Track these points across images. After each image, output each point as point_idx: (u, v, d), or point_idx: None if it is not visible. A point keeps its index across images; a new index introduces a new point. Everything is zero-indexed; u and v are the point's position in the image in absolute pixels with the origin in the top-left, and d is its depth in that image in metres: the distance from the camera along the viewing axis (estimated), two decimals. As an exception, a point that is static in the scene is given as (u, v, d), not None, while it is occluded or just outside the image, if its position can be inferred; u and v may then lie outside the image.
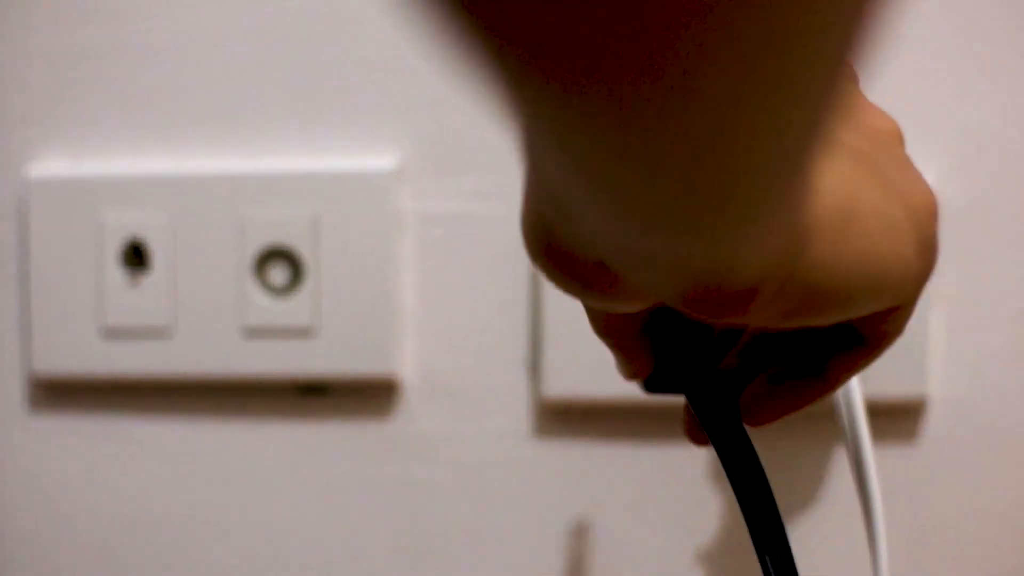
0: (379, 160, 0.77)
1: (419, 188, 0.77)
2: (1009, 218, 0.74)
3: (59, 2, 0.79)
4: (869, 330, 0.50)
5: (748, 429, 0.54)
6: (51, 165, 0.79)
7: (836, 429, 0.69)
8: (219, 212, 0.77)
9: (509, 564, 0.77)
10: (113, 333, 0.78)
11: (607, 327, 0.52)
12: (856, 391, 0.65)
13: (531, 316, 0.76)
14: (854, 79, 0.46)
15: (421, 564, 0.78)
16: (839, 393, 0.65)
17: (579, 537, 0.76)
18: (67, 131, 0.79)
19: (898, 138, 0.50)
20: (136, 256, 0.78)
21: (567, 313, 0.74)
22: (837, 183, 0.43)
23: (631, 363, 0.53)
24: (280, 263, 0.77)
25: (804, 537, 0.75)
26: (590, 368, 0.74)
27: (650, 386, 0.53)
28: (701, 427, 0.51)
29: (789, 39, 0.30)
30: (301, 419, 0.78)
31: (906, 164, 0.49)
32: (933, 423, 0.75)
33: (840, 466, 0.75)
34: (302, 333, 0.76)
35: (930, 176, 0.74)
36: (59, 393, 0.79)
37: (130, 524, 0.79)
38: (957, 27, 0.74)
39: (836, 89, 0.34)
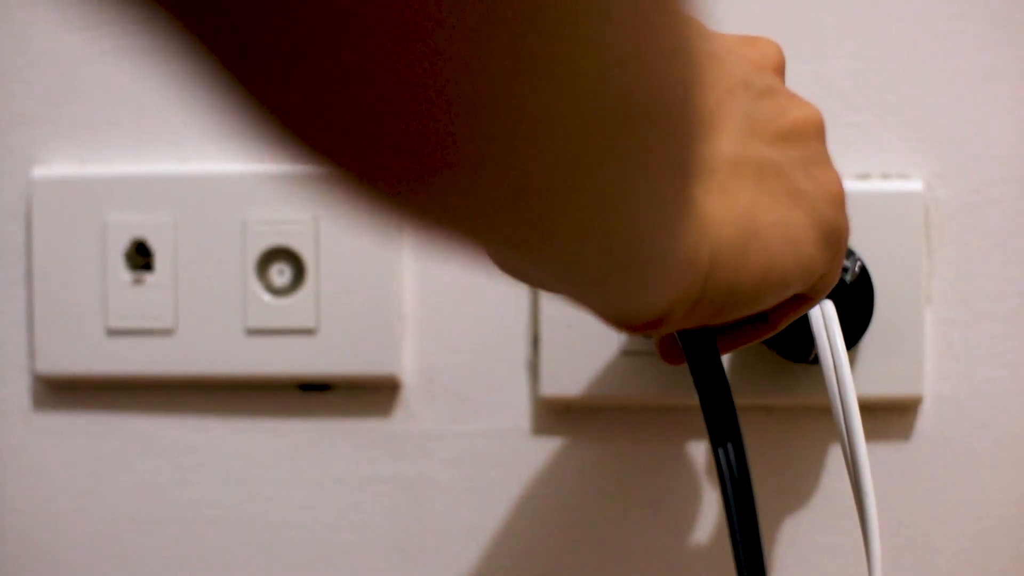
0: (379, 161, 0.77)
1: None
2: (1001, 219, 0.75)
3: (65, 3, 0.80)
4: (799, 292, 0.56)
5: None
6: (56, 166, 0.79)
7: (831, 427, 0.70)
8: (222, 212, 0.78)
9: (508, 563, 0.78)
10: (117, 332, 0.78)
11: None
12: (851, 390, 0.65)
13: (531, 316, 0.77)
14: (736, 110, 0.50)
15: (421, 562, 0.78)
16: (834, 392, 0.66)
17: (578, 536, 0.77)
18: (72, 132, 0.80)
19: (815, 129, 0.53)
20: (140, 256, 0.78)
21: (567, 313, 0.74)
22: (738, 211, 0.48)
23: None
24: (282, 263, 0.78)
25: (799, 534, 0.76)
26: (590, 368, 0.75)
27: None
28: (674, 349, 0.58)
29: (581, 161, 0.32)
30: (302, 417, 0.79)
31: (815, 159, 0.52)
32: (927, 421, 0.75)
33: (835, 463, 0.76)
34: (303, 332, 0.77)
35: (923, 177, 0.75)
36: (63, 392, 0.80)
37: (134, 521, 0.80)
38: (950, 28, 0.75)
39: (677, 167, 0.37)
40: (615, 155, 0.33)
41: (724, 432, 0.57)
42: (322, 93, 0.27)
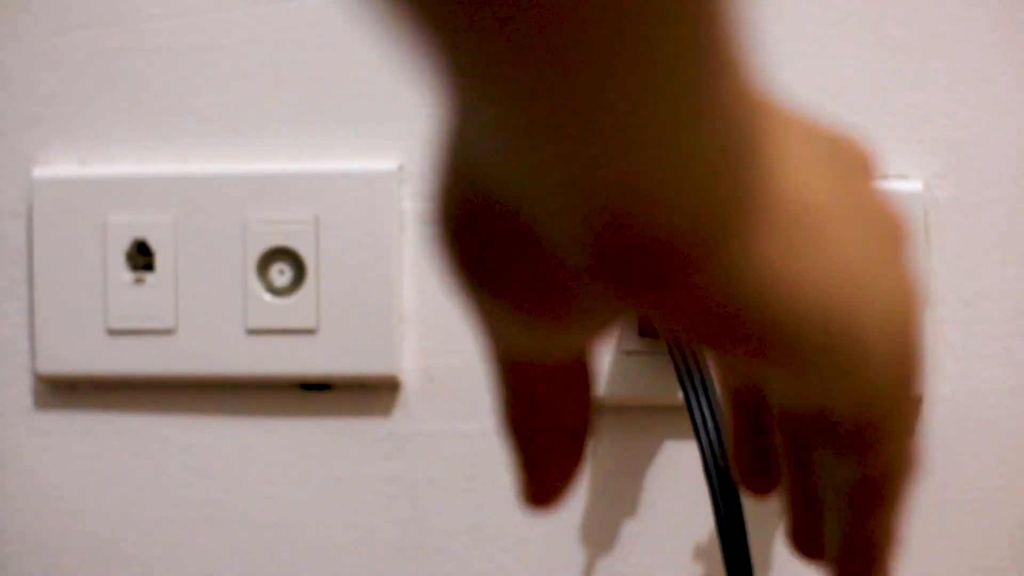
0: (379, 160, 0.77)
1: (419, 188, 0.77)
2: (1001, 218, 0.75)
3: (65, 4, 0.80)
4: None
5: None
6: (56, 166, 0.79)
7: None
8: (222, 213, 0.78)
9: (508, 562, 0.78)
10: (118, 332, 0.78)
11: None
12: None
13: (530, 316, 0.77)
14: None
15: (421, 561, 0.78)
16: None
17: (578, 536, 0.77)
18: (73, 132, 0.80)
19: (894, 237, 0.42)
20: (140, 256, 0.78)
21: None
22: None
23: None
24: (282, 263, 0.78)
25: (799, 533, 0.76)
26: (589, 367, 0.75)
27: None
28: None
29: None
30: (303, 417, 0.79)
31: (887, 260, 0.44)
32: (926, 421, 0.75)
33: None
34: (304, 332, 0.77)
35: (922, 177, 0.75)
36: (64, 392, 0.80)
37: (134, 521, 0.80)
38: (950, 28, 0.75)
39: None
40: None
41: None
42: None
